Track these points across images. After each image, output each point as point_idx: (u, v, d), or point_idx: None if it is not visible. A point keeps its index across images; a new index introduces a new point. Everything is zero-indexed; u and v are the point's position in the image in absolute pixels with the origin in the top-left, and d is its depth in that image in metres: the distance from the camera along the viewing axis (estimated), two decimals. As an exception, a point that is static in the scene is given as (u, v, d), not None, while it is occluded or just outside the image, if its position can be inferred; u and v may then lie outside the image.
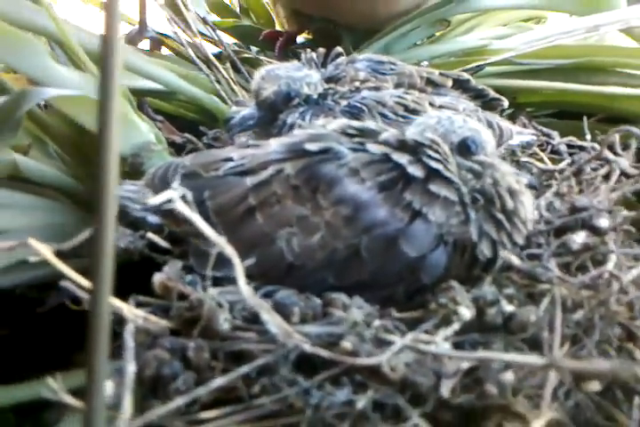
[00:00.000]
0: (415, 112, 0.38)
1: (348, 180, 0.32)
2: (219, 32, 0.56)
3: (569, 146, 0.44)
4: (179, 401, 0.25)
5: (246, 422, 0.26)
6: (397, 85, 0.41)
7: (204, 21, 0.56)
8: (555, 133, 0.45)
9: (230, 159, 0.35)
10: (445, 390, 0.26)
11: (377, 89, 0.40)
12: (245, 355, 0.27)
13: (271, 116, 0.41)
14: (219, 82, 0.51)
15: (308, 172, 0.32)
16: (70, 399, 0.24)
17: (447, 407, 0.26)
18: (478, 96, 0.43)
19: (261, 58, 0.55)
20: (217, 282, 0.31)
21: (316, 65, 0.43)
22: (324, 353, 0.25)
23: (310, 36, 0.63)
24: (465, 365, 0.27)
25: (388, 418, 0.25)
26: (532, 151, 0.42)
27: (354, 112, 0.39)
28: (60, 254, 0.32)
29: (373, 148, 0.32)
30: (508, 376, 0.27)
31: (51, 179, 0.38)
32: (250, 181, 0.33)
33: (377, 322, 0.28)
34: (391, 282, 0.32)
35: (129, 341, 0.26)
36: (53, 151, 0.40)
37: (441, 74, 0.42)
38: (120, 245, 0.34)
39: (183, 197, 0.29)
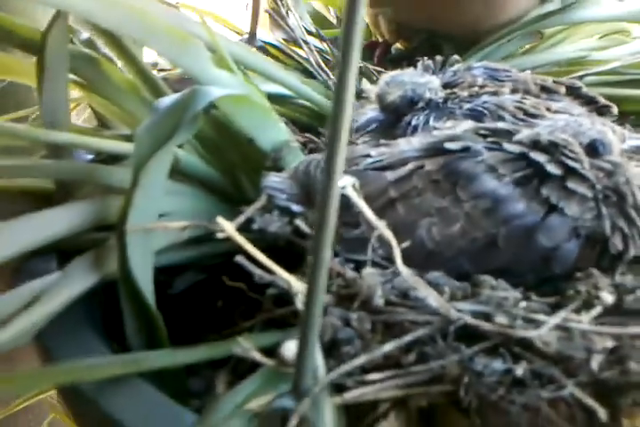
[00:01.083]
0: (534, 116, 0.41)
1: (486, 175, 0.34)
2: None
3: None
4: (355, 362, 0.28)
5: (405, 387, 0.29)
6: (513, 91, 0.44)
7: (317, 32, 0.60)
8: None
9: (369, 155, 0.38)
10: (595, 364, 0.28)
11: (495, 94, 0.43)
12: (402, 327, 0.30)
13: (395, 119, 0.44)
14: (330, 89, 0.54)
15: (448, 168, 0.35)
16: (261, 357, 0.27)
17: (595, 382, 0.29)
18: (589, 102, 0.45)
19: (368, 66, 0.58)
20: (358, 266, 0.34)
21: (434, 71, 0.46)
22: (486, 325, 0.28)
23: (404, 47, 0.67)
24: (610, 343, 0.29)
25: (544, 386, 0.28)
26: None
27: (475, 115, 0.41)
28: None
29: (510, 147, 0.35)
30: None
31: (200, 172, 0.42)
32: (390, 175, 0.36)
33: (523, 303, 0.31)
34: (524, 270, 0.34)
35: (299, 305, 0.30)
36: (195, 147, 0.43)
37: (554, 81, 0.45)
38: (271, 229, 0.37)
39: (353, 186, 0.32)
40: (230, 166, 0.43)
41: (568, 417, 0.28)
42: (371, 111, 0.45)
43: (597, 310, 0.30)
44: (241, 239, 0.31)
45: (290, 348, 0.28)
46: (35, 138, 0.35)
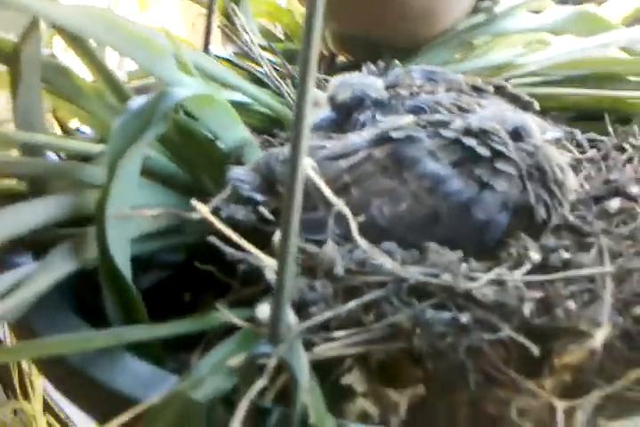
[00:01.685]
0: (467, 111, 0.46)
1: (428, 159, 0.39)
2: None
3: (589, 140, 0.53)
4: (321, 317, 0.31)
5: (366, 344, 0.33)
6: (448, 90, 0.49)
7: (269, 46, 0.64)
8: (577, 131, 0.53)
9: (324, 147, 0.43)
10: (527, 310, 0.32)
11: (432, 93, 0.48)
12: (361, 290, 0.34)
13: (345, 117, 0.48)
14: (282, 97, 0.59)
15: (394, 154, 0.40)
16: (238, 320, 0.31)
17: (529, 328, 0.33)
18: (514, 99, 0.51)
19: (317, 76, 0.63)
20: (317, 245, 0.38)
21: (377, 75, 0.51)
22: (434, 281, 0.32)
23: (347, 58, 0.72)
24: (539, 294, 0.34)
25: (485, 331, 0.32)
26: (560, 145, 0.50)
27: (416, 111, 0.46)
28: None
29: (446, 133, 0.40)
30: (570, 304, 0.34)
31: (164, 170, 0.45)
32: (344, 163, 0.41)
33: (464, 264, 0.35)
34: (462, 241, 0.39)
35: (270, 276, 0.33)
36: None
37: (483, 81, 0.51)
38: (237, 217, 0.41)
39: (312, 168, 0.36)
40: (191, 164, 0.46)
41: (505, 358, 0.32)
42: (323, 112, 0.50)
43: (527, 266, 0.35)
44: (214, 220, 0.34)
45: (263, 310, 0.32)
46: (11, 139, 0.38)
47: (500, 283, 0.34)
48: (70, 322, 0.34)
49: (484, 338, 0.31)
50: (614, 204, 0.40)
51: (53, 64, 0.41)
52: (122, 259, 0.35)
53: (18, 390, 0.80)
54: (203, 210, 0.34)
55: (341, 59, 0.74)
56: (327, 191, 0.36)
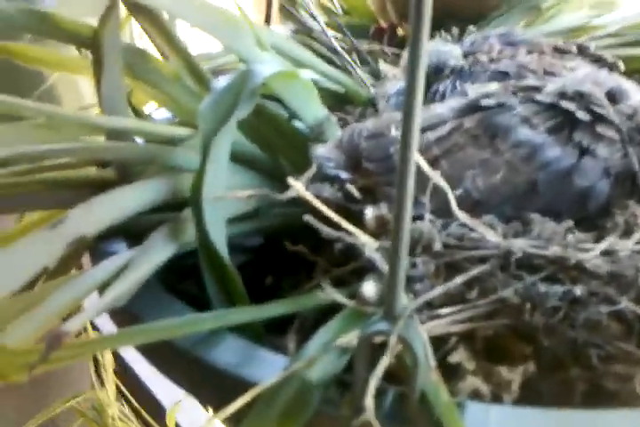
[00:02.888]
0: (554, 74, 0.44)
1: (522, 126, 0.37)
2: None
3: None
4: (430, 294, 0.31)
5: (471, 320, 0.32)
6: (529, 53, 0.47)
7: (334, 21, 0.63)
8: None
9: (407, 120, 0.41)
10: (645, 281, 0.31)
11: (514, 57, 0.46)
12: (463, 265, 0.33)
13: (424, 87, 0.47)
14: (351, 72, 0.57)
15: (486, 122, 0.38)
16: (344, 298, 0.30)
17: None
18: (598, 60, 0.48)
19: (383, 49, 0.62)
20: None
21: (453, 42, 0.49)
22: (544, 253, 0.31)
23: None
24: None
25: (601, 303, 0.30)
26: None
27: (499, 77, 0.44)
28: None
29: (541, 98, 0.38)
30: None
31: (242, 150, 0.45)
32: (431, 135, 0.39)
33: (571, 235, 0.34)
34: (562, 210, 0.37)
35: (374, 255, 0.33)
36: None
37: (564, 43, 0.48)
38: (324, 195, 0.40)
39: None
40: (270, 144, 0.46)
41: (625, 332, 0.31)
42: (400, 82, 0.48)
43: (638, 235, 0.33)
44: (311, 198, 0.33)
45: (369, 289, 0.31)
46: (99, 125, 0.38)
47: (611, 253, 0.32)
48: (173, 306, 0.34)
49: (601, 311, 0.30)
50: None
51: (132, 48, 0.41)
52: (220, 241, 0.35)
53: (93, 379, 0.83)
54: (299, 188, 0.33)
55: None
56: (423, 164, 0.34)
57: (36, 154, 0.34)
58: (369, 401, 0.23)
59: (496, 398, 0.31)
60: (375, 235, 0.37)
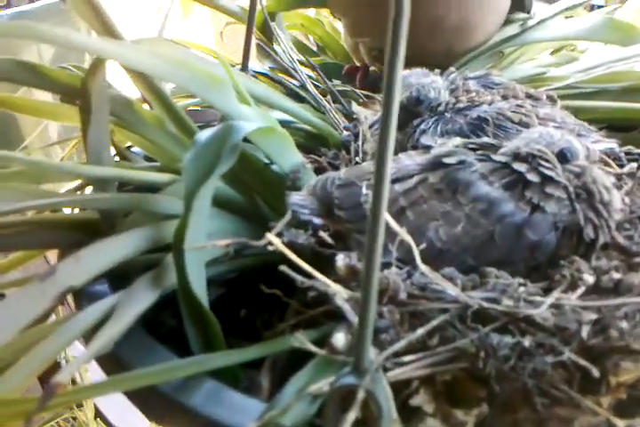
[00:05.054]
0: (526, 125, 0.47)
1: (480, 182, 0.41)
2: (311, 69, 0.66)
3: (627, 153, 0.54)
4: (396, 346, 0.34)
5: (432, 366, 0.35)
6: (504, 97, 0.50)
7: (307, 60, 0.66)
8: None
9: (377, 171, 0.45)
10: (585, 333, 0.34)
11: (492, 103, 0.49)
12: (425, 315, 0.36)
13: (403, 118, 0.48)
14: (324, 112, 0.60)
15: (448, 178, 0.42)
16: (315, 347, 0.33)
17: (585, 348, 0.35)
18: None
19: (355, 90, 0.65)
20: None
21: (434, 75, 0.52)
22: (497, 307, 0.35)
23: (380, 70, 0.74)
24: (594, 316, 0.36)
25: (546, 354, 0.34)
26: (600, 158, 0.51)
27: (478, 124, 0.48)
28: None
29: (497, 158, 0.42)
30: (624, 323, 0.36)
31: (223, 196, 0.47)
32: (399, 187, 0.43)
33: (522, 288, 0.37)
34: (515, 260, 0.41)
35: (344, 305, 0.35)
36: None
37: (535, 90, 0.52)
38: (299, 241, 0.43)
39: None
40: (248, 189, 0.48)
41: (567, 379, 0.34)
42: (378, 115, 0.51)
43: (581, 289, 0.37)
44: (286, 250, 0.36)
45: (339, 338, 0.34)
46: (83, 175, 0.40)
47: (557, 307, 0.36)
48: (156, 351, 0.36)
49: (546, 361, 0.33)
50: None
51: (119, 97, 0.43)
52: (200, 287, 0.37)
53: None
54: (275, 241, 0.36)
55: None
56: (389, 218, 0.37)
57: (23, 208, 0.36)
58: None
59: (453, 439, 0.35)
60: (346, 280, 0.40)
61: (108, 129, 0.42)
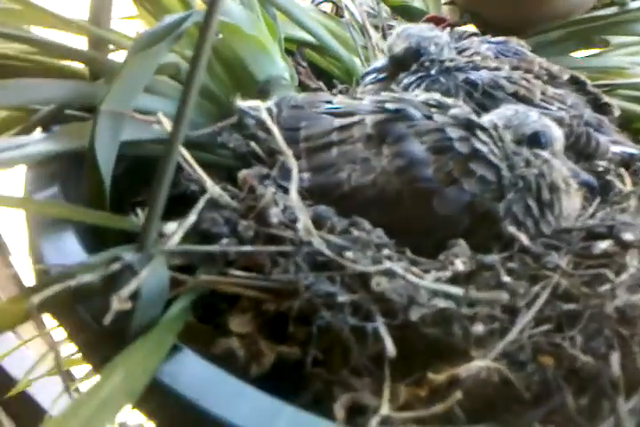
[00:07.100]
0: (523, 98, 0.42)
1: (412, 139, 0.37)
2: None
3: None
4: (216, 247, 0.33)
5: (261, 291, 0.34)
6: (514, 68, 0.44)
7: None
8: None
9: (330, 102, 0.43)
10: (414, 314, 0.31)
11: (497, 69, 0.44)
12: (277, 240, 0.35)
13: (398, 70, 0.46)
14: (366, 47, 0.58)
15: (380, 126, 0.38)
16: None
17: (414, 332, 0.32)
18: (590, 98, 0.45)
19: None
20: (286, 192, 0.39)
21: (456, 38, 0.48)
22: (328, 253, 0.32)
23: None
24: (441, 304, 0.32)
25: (357, 316, 0.31)
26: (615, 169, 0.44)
27: (466, 88, 0.43)
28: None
29: (439, 118, 0.37)
30: (477, 327, 0.32)
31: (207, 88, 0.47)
32: (337, 122, 0.41)
33: (386, 251, 0.34)
34: (419, 233, 0.37)
35: (201, 203, 0.35)
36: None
37: (559, 69, 0.45)
38: (230, 144, 0.43)
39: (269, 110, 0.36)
40: (221, 85, 0.48)
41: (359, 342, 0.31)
42: (380, 60, 0.49)
43: (446, 274, 0.33)
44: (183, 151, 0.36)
45: (170, 227, 0.34)
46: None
47: (403, 278, 0.32)
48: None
49: (348, 321, 0.31)
50: (602, 245, 0.35)
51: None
52: (106, 151, 0.39)
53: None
54: (164, 120, 0.37)
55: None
56: (280, 139, 0.36)
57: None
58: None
59: (246, 366, 0.34)
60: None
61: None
